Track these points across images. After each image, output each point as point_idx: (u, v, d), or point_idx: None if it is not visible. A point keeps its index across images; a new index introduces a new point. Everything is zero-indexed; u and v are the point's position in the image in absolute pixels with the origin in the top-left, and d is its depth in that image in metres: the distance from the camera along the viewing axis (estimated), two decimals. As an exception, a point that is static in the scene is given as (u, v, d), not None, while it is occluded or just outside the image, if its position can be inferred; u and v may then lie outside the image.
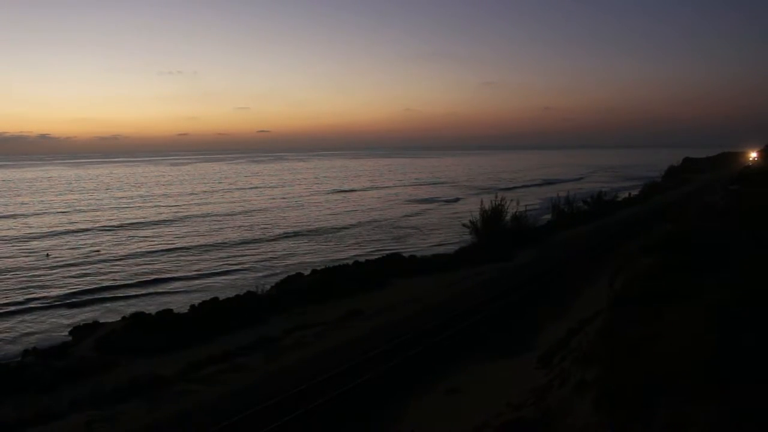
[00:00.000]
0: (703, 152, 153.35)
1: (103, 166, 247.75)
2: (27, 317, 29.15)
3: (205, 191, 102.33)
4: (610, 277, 15.96)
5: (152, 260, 42.22)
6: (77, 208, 78.40)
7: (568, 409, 8.56)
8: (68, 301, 31.87)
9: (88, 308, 30.52)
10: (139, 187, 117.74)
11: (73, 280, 36.58)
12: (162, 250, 45.81)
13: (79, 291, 33.92)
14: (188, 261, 41.78)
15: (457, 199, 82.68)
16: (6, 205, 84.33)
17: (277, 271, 36.15)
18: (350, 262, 31.96)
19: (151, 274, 37.64)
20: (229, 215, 68.17)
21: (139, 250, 46.46)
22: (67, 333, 22.70)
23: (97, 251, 46.24)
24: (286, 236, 52.07)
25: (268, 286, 26.50)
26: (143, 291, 33.36)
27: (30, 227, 60.73)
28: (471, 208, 36.76)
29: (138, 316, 20.67)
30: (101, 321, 23.30)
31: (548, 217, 47.36)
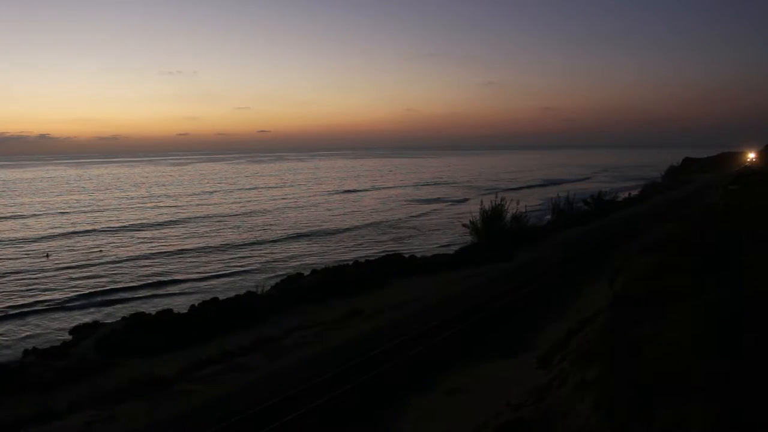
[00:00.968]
0: (703, 152, 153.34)
1: (103, 166, 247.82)
2: (27, 317, 29.20)
3: (206, 192, 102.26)
4: (610, 277, 15.97)
5: (152, 262, 42.20)
6: (77, 208, 78.44)
7: (568, 409, 8.56)
8: (68, 301, 31.90)
9: (88, 308, 30.56)
10: (139, 187, 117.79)
11: (73, 280, 36.62)
12: (162, 252, 45.70)
13: (79, 291, 33.95)
14: (189, 263, 41.62)
15: (464, 200, 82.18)
16: (6, 205, 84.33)
17: (280, 273, 36.06)
18: (350, 262, 31.95)
19: (152, 275, 37.57)
20: (230, 216, 67.97)
21: (140, 251, 46.44)
22: (67, 333, 22.71)
23: (99, 251, 46.27)
24: (290, 238, 51.73)
25: (268, 286, 26.51)
26: (145, 293, 33.29)
27: (30, 228, 60.77)
28: (479, 208, 36.70)
29: (138, 317, 20.66)
30: (101, 321, 23.30)
31: (550, 217, 47.39)
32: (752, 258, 10.60)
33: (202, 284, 35.35)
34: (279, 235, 53.44)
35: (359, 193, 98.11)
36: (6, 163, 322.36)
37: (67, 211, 74.93)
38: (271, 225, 60.23)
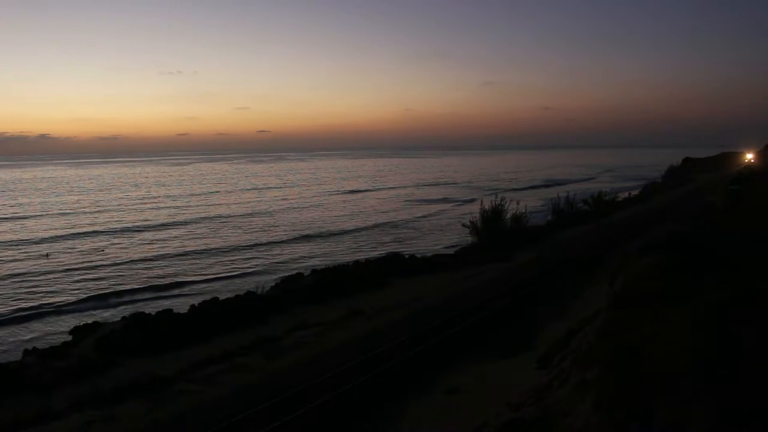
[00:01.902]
0: (703, 152, 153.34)
1: (103, 166, 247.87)
2: (27, 317, 29.19)
3: (206, 193, 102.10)
4: (610, 277, 15.96)
5: (153, 264, 42.08)
6: (77, 209, 78.41)
7: (568, 409, 8.56)
8: (68, 301, 31.90)
9: (88, 308, 30.56)
10: (139, 187, 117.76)
11: (73, 281, 36.62)
12: (162, 254, 45.56)
13: (79, 291, 33.95)
14: (191, 265, 41.33)
15: (466, 201, 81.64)
16: (6, 206, 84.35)
17: (283, 276, 35.74)
18: (350, 262, 31.93)
19: (153, 278, 37.43)
20: (231, 217, 67.63)
21: (140, 252, 46.33)
22: (67, 333, 22.71)
23: (102, 250, 46.25)
24: (292, 240, 51.25)
25: (268, 286, 26.51)
26: (146, 295, 33.10)
27: (30, 228, 60.77)
28: (479, 208, 36.51)
29: (138, 316, 20.66)
30: (101, 321, 23.30)
31: (551, 217, 47.37)
32: (752, 258, 10.59)
33: (203, 286, 35.04)
34: (281, 236, 53.06)
35: (361, 194, 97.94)
36: (6, 163, 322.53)
37: (67, 211, 74.90)
38: (273, 226, 59.99)
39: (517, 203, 37.44)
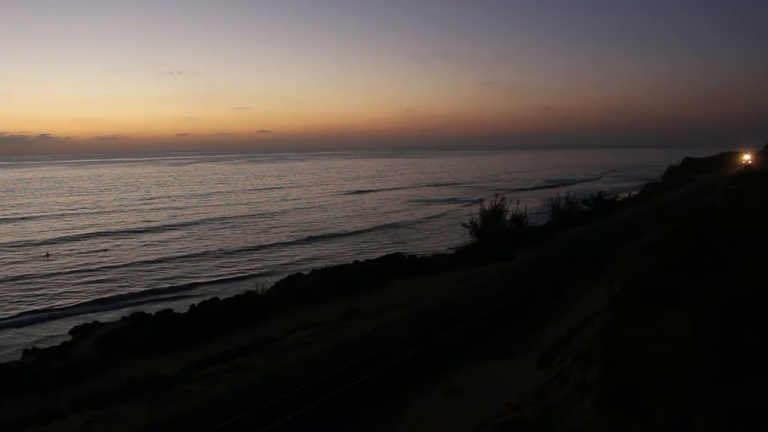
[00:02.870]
0: (703, 152, 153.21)
1: (103, 166, 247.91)
2: (27, 317, 29.19)
3: (206, 193, 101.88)
4: (610, 277, 15.95)
5: (153, 266, 42.03)
6: (77, 209, 78.41)
7: (568, 409, 8.56)
8: (68, 302, 31.89)
9: (88, 308, 30.54)
10: (139, 188, 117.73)
11: (73, 281, 36.61)
12: (162, 255, 45.47)
13: (79, 291, 33.96)
14: (192, 267, 41.18)
15: (475, 201, 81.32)
16: (6, 206, 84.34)
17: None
18: (350, 262, 31.89)
19: (153, 279, 37.35)
20: (232, 218, 67.24)
21: (140, 254, 46.26)
22: (67, 333, 22.71)
23: (105, 250, 46.19)
24: (295, 242, 50.78)
25: (268, 286, 26.49)
26: (147, 298, 33.05)
27: (30, 228, 60.77)
28: (479, 208, 36.37)
29: (138, 316, 20.67)
30: (101, 321, 23.30)
31: (551, 217, 47.35)
32: (752, 258, 10.59)
33: (206, 288, 34.82)
34: (282, 238, 52.66)
35: (362, 195, 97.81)
36: (6, 163, 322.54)
37: (67, 212, 74.92)
38: (274, 228, 59.78)
39: (517, 203, 37.44)
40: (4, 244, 50.14)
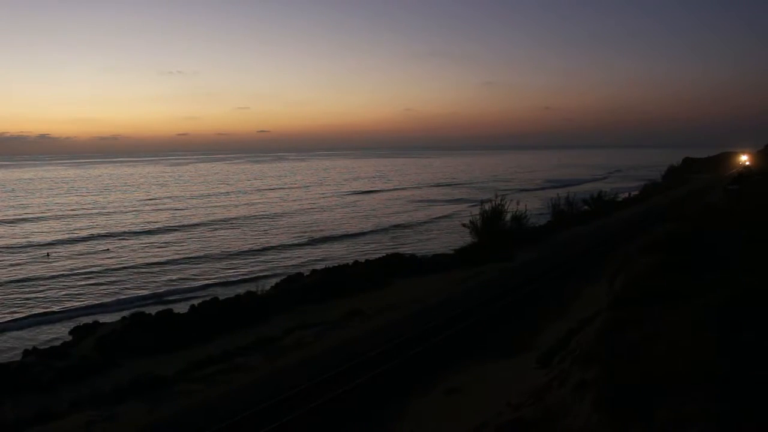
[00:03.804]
0: (703, 152, 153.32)
1: (103, 166, 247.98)
2: (27, 317, 29.19)
3: (207, 194, 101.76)
4: (610, 277, 15.94)
5: (154, 266, 42.01)
6: (77, 209, 78.43)
7: (568, 409, 8.55)
8: (68, 302, 31.89)
9: (88, 309, 30.54)
10: (138, 188, 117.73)
11: (73, 281, 36.61)
12: (163, 256, 45.41)
13: (79, 291, 33.95)
14: (193, 269, 41.01)
15: (481, 201, 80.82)
16: (6, 206, 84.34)
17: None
18: (351, 262, 31.89)
19: (153, 280, 37.28)
20: (232, 219, 67.11)
21: (141, 254, 46.27)
22: (67, 333, 22.73)
23: (107, 250, 46.16)
24: (296, 244, 50.42)
25: (268, 286, 26.52)
26: (147, 297, 33.05)
27: (29, 229, 60.76)
28: (479, 208, 36.30)
29: (138, 316, 20.68)
30: (101, 321, 23.31)
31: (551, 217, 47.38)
32: (752, 258, 10.59)
33: (206, 290, 34.62)
34: (283, 239, 52.44)
35: (363, 195, 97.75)
36: (6, 163, 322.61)
37: (67, 212, 74.92)
38: (275, 229, 59.65)
39: (517, 203, 37.44)
40: (4, 245, 50.12)
